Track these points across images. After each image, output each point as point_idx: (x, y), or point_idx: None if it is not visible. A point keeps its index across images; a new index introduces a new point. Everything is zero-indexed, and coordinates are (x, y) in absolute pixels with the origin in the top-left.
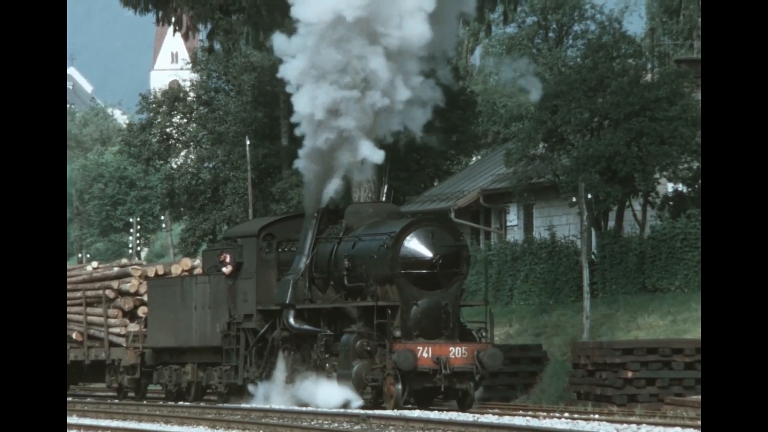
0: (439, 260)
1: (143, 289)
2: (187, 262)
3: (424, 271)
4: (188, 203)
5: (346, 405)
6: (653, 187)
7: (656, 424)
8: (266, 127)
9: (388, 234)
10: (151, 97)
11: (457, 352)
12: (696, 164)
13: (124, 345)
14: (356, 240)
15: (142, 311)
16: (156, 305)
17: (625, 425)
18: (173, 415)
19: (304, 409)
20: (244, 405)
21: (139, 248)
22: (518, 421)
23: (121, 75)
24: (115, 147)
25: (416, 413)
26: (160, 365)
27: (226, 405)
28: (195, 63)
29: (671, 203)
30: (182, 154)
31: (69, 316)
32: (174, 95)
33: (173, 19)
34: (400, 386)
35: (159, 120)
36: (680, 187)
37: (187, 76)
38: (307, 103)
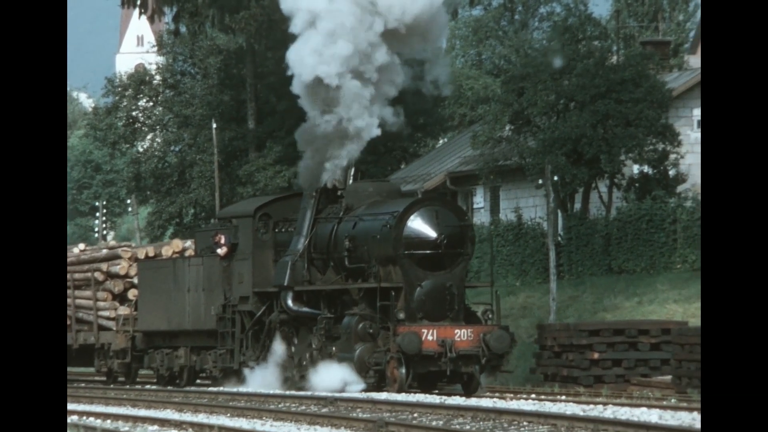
0: (443, 240)
1: (133, 271)
2: (178, 244)
3: (428, 252)
4: (154, 187)
5: (346, 388)
6: (619, 169)
7: (622, 405)
8: (233, 110)
9: (391, 213)
10: (117, 80)
11: (462, 334)
12: (661, 146)
13: (114, 329)
14: (357, 220)
15: (132, 294)
16: (147, 288)
17: (591, 406)
18: (140, 399)
19: (271, 392)
20: (211, 388)
21: (105, 232)
22: (485, 402)
23: (86, 58)
24: (80, 131)
25: (383, 396)
26: (151, 349)
27: (193, 389)
28: (161, 46)
29: (637, 185)
30: (148, 137)
31: None
32: (140, 78)
33: (138, 2)
34: (404, 370)
35: (125, 103)
36: (646, 168)
37: (152, 60)
38: (314, 65)
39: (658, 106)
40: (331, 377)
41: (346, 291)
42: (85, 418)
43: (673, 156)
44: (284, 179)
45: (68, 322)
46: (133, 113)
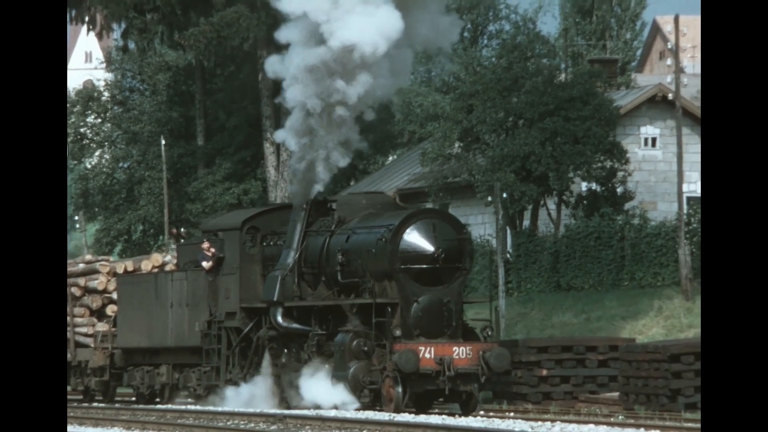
0: (441, 254)
1: (112, 286)
2: (157, 258)
3: (425, 266)
4: (103, 203)
5: (341, 408)
6: (567, 186)
7: (570, 422)
8: (181, 126)
9: (386, 226)
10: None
11: (461, 352)
12: (609, 163)
13: (92, 345)
14: (350, 233)
15: (111, 310)
16: (127, 303)
17: (539, 423)
18: (87, 417)
19: (219, 409)
20: (159, 406)
21: None
22: (434, 420)
23: None
24: None
25: (332, 413)
26: (131, 367)
27: (141, 406)
28: (109, 62)
29: (585, 202)
30: (96, 154)
31: None
32: (88, 95)
33: (87, 18)
34: (400, 389)
35: (73, 120)
36: (594, 186)
37: (101, 76)
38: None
39: (605, 123)
40: (323, 396)
41: (338, 307)
42: None
43: (620, 173)
44: (233, 196)
45: None
46: (81, 129)
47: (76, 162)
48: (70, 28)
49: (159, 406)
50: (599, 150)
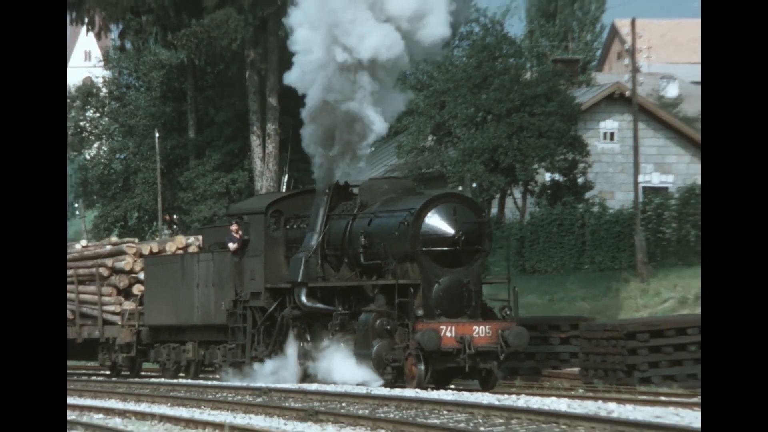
0: (461, 237)
1: (138, 266)
2: (182, 240)
3: (445, 248)
4: (101, 192)
5: (364, 385)
6: (532, 177)
7: (534, 395)
8: (174, 120)
9: (408, 210)
10: (66, 92)
11: (480, 330)
12: (570, 156)
13: (119, 323)
14: (372, 217)
15: (137, 289)
16: (154, 283)
17: (505, 396)
18: (86, 390)
19: (209, 382)
20: (153, 379)
21: None
22: (408, 393)
23: None
24: None
25: (314, 386)
26: (157, 344)
27: (136, 380)
28: (107, 61)
29: (549, 191)
30: (95, 145)
31: None
32: (87, 91)
33: (86, 20)
34: (422, 366)
35: (73, 114)
36: (557, 176)
37: (99, 73)
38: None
39: (568, 119)
40: (347, 372)
41: (360, 287)
42: None
43: (581, 165)
44: (222, 185)
45: (72, 317)
46: (81, 123)
47: (76, 153)
48: (70, 28)
49: (152, 380)
50: (562, 143)
